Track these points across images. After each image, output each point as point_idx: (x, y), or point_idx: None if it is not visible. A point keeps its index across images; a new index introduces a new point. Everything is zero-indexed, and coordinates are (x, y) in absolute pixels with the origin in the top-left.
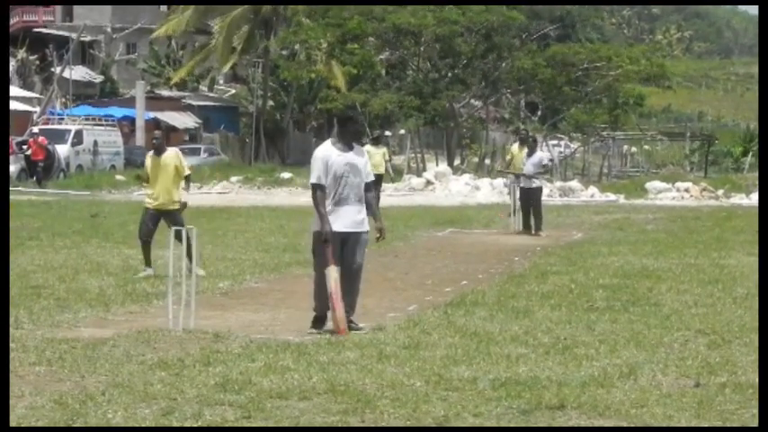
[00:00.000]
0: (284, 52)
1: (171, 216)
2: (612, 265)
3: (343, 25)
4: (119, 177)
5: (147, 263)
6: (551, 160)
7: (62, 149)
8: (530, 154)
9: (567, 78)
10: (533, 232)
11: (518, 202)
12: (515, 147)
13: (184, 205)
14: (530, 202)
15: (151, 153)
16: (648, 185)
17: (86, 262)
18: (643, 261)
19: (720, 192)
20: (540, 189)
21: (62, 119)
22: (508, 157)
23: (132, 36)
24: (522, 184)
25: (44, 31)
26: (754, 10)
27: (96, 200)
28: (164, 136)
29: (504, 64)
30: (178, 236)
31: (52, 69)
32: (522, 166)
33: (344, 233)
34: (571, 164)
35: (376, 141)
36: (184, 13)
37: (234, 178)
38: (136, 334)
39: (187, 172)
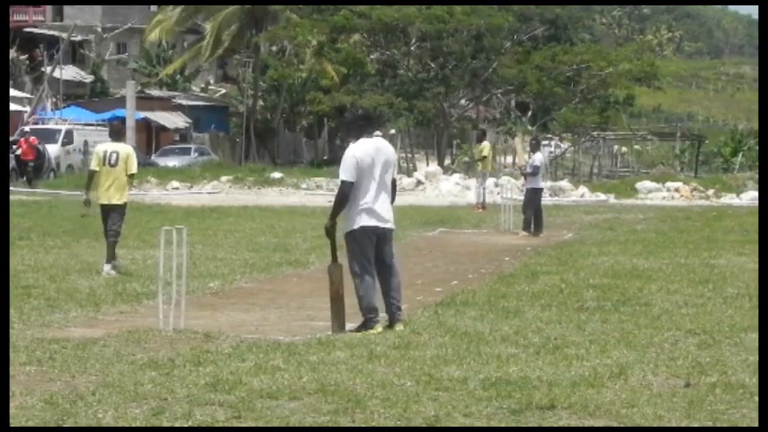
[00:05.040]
0: (273, 48)
1: None
2: (603, 265)
3: (329, 20)
4: None
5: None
6: (540, 163)
7: (53, 149)
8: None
9: (556, 81)
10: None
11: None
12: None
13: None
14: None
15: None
16: (639, 185)
17: (77, 262)
18: (633, 261)
19: (710, 192)
20: (529, 191)
21: (44, 119)
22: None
23: (123, 36)
24: None
25: (34, 30)
26: (744, 10)
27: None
28: None
29: (493, 65)
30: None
31: (42, 69)
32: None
33: None
34: (561, 164)
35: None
36: (174, 11)
37: (224, 178)
38: (126, 334)
39: None
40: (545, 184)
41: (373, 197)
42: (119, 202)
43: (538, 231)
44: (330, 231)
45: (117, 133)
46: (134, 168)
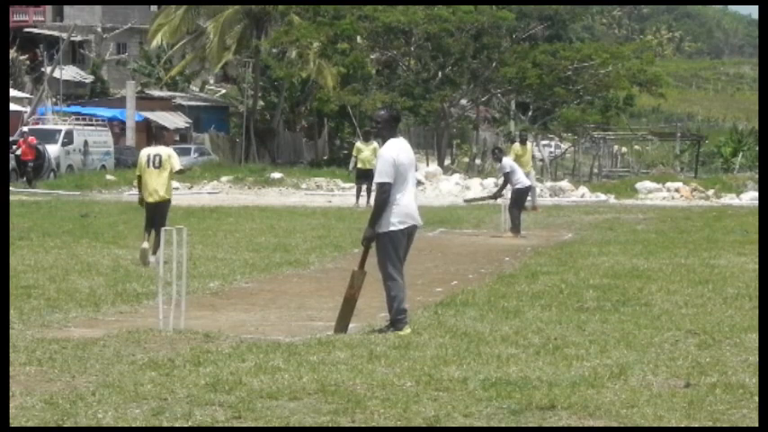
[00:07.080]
0: (275, 50)
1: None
2: (603, 266)
3: (335, 25)
4: (109, 177)
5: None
6: (510, 168)
7: (52, 149)
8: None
9: (557, 78)
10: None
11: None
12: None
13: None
14: None
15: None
16: (639, 185)
17: (77, 262)
18: (633, 261)
19: (711, 192)
20: (513, 192)
21: (43, 118)
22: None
23: (123, 36)
24: None
25: (34, 30)
26: (744, 10)
27: (87, 200)
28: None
29: (493, 64)
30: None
31: (42, 69)
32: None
33: None
34: (561, 164)
35: (366, 137)
36: (176, 12)
37: (224, 178)
38: (126, 334)
39: None
40: (538, 184)
41: (408, 197)
42: (166, 197)
43: (515, 231)
44: (370, 241)
45: (159, 137)
46: (177, 166)
